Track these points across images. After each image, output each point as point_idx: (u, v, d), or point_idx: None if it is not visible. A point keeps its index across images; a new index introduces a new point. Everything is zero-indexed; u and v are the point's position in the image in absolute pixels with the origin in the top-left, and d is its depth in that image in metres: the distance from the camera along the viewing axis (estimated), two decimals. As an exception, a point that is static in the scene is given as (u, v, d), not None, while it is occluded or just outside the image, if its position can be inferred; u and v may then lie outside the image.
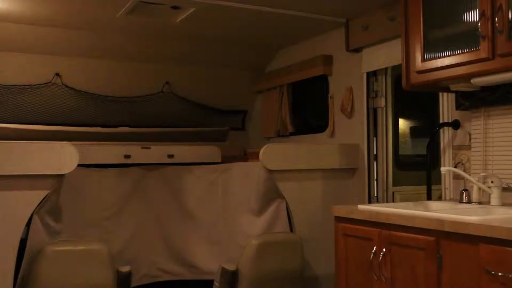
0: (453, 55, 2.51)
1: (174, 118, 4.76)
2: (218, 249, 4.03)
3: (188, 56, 4.61)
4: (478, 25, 2.37)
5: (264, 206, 3.68)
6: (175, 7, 3.53)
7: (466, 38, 2.46)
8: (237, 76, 4.99)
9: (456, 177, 2.99)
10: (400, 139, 4.05)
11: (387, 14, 3.43)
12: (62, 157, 3.04)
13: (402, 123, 4.15)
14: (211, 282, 3.62)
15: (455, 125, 3.05)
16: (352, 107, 3.88)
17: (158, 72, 4.67)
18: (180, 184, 4.11)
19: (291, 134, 4.70)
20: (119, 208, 3.92)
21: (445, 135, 3.11)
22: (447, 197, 3.07)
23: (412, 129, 4.26)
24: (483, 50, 2.35)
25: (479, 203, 2.67)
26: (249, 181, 3.79)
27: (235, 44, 4.46)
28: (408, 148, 4.27)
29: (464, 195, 2.74)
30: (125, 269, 3.39)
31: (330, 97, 4.12)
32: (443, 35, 2.64)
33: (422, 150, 3.24)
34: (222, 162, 4.21)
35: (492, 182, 2.57)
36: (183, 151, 4.17)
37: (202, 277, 4.06)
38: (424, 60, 2.66)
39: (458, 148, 3.03)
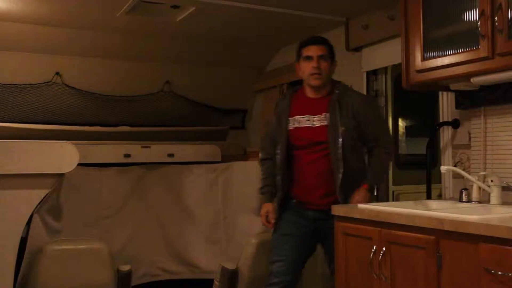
0: (453, 54, 2.51)
1: (174, 117, 4.76)
2: (218, 248, 4.04)
3: (188, 55, 4.61)
4: (478, 24, 2.37)
5: (264, 205, 3.68)
6: (175, 6, 3.54)
7: (466, 37, 2.46)
8: (237, 75, 4.99)
9: (456, 176, 2.99)
10: (400, 138, 4.06)
11: (387, 13, 3.43)
12: (62, 156, 3.05)
13: (402, 122, 4.15)
14: (211, 281, 3.63)
15: (455, 124, 3.05)
16: (352, 106, 3.87)
17: (158, 71, 4.67)
18: (180, 183, 4.12)
19: (291, 133, 4.68)
20: (119, 207, 3.93)
21: (445, 134, 3.12)
22: (447, 196, 3.07)
23: (411, 128, 4.26)
24: (482, 49, 2.35)
25: (479, 202, 2.67)
26: (249, 180, 3.79)
27: (235, 43, 4.46)
28: (407, 147, 4.27)
29: (464, 194, 2.74)
30: (125, 268, 3.39)
31: (330, 96, 4.12)
32: (443, 34, 2.64)
33: (422, 149, 3.24)
34: (222, 161, 4.22)
35: (492, 181, 2.57)
36: (183, 150, 4.17)
37: (202, 276, 4.06)
38: (424, 59, 2.66)
39: (458, 147, 3.03)
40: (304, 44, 2.96)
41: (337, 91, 2.89)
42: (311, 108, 2.90)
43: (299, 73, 3.00)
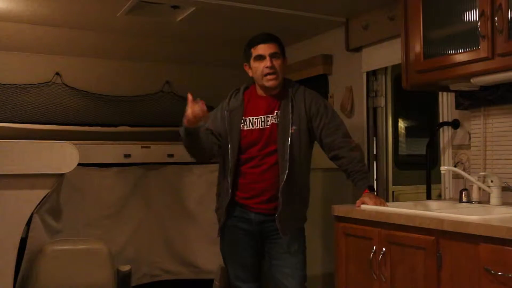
0: (453, 54, 2.51)
1: (174, 118, 4.74)
2: (218, 248, 4.03)
3: (188, 56, 4.61)
4: (478, 25, 2.37)
5: (264, 205, 3.68)
6: (175, 7, 3.54)
7: (466, 38, 2.46)
8: (237, 75, 4.98)
9: (456, 176, 2.99)
10: (400, 138, 4.06)
11: (387, 14, 3.43)
12: (62, 156, 3.05)
13: (402, 122, 4.15)
14: (211, 281, 3.62)
15: (455, 124, 3.05)
16: (352, 107, 3.88)
17: (158, 72, 4.67)
18: (180, 183, 4.11)
19: (291, 133, 4.68)
20: (119, 207, 3.93)
21: (445, 134, 3.12)
22: (447, 197, 3.07)
23: (411, 129, 4.26)
24: (482, 49, 2.35)
25: (479, 202, 2.67)
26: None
27: (235, 43, 4.45)
28: (407, 147, 4.27)
29: (463, 195, 2.75)
30: (125, 268, 3.39)
31: (330, 96, 4.12)
32: (443, 34, 2.65)
33: (422, 150, 3.24)
34: (222, 162, 4.21)
35: (491, 181, 2.57)
36: (183, 151, 4.16)
37: (202, 276, 4.06)
38: (424, 59, 2.66)
39: (457, 147, 3.03)
40: (253, 43, 2.78)
41: (290, 89, 2.78)
42: (264, 108, 2.77)
43: (249, 74, 2.84)
